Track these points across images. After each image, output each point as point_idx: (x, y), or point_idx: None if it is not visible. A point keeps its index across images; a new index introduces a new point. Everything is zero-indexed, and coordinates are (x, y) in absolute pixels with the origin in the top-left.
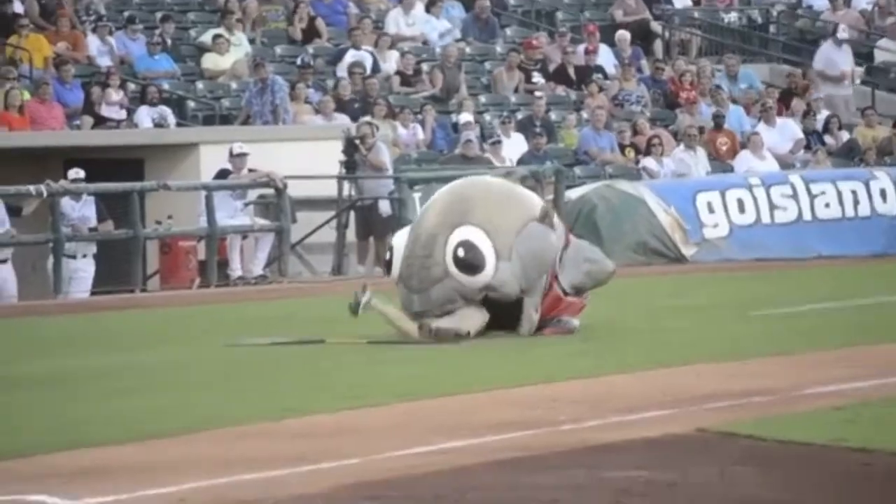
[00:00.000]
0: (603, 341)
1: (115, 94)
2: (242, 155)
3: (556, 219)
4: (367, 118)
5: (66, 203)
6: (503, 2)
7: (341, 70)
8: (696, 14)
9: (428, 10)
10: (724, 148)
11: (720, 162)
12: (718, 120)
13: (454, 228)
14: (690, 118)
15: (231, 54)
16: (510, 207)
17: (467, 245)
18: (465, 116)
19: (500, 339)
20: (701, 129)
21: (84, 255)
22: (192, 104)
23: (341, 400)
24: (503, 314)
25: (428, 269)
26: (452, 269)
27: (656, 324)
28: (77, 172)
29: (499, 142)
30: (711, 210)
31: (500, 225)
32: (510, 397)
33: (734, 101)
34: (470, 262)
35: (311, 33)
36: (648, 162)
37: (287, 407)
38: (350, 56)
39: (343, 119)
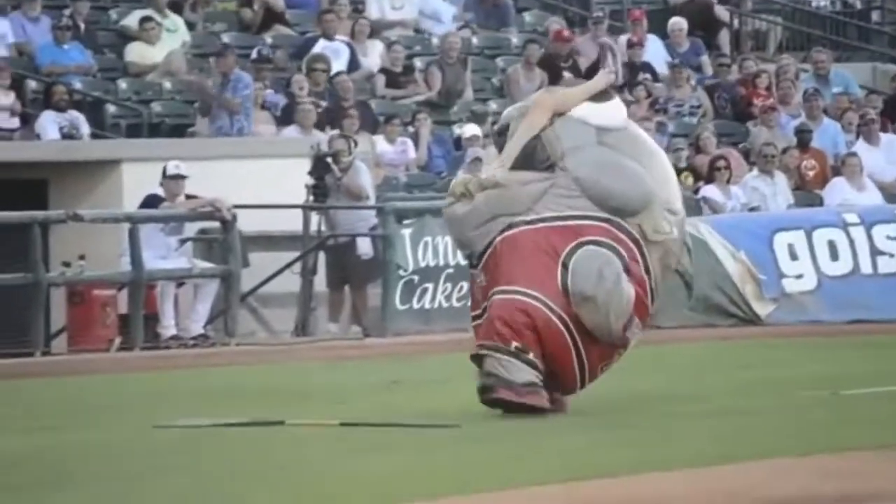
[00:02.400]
0: (647, 426)
1: (5, 97)
2: (179, 177)
3: None
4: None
5: None
6: None
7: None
8: None
9: None
10: (812, 173)
11: (806, 192)
12: (804, 136)
13: None
14: (767, 133)
15: (164, 43)
16: None
17: None
18: (471, 129)
19: (510, 422)
20: (782, 150)
21: None
22: (111, 109)
23: None
24: None
25: None
26: None
27: (720, 404)
28: None
29: None
30: (794, 256)
31: None
32: (526, 499)
33: (825, 112)
34: None
35: (270, 18)
36: (711, 191)
37: None
38: (320, 47)
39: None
